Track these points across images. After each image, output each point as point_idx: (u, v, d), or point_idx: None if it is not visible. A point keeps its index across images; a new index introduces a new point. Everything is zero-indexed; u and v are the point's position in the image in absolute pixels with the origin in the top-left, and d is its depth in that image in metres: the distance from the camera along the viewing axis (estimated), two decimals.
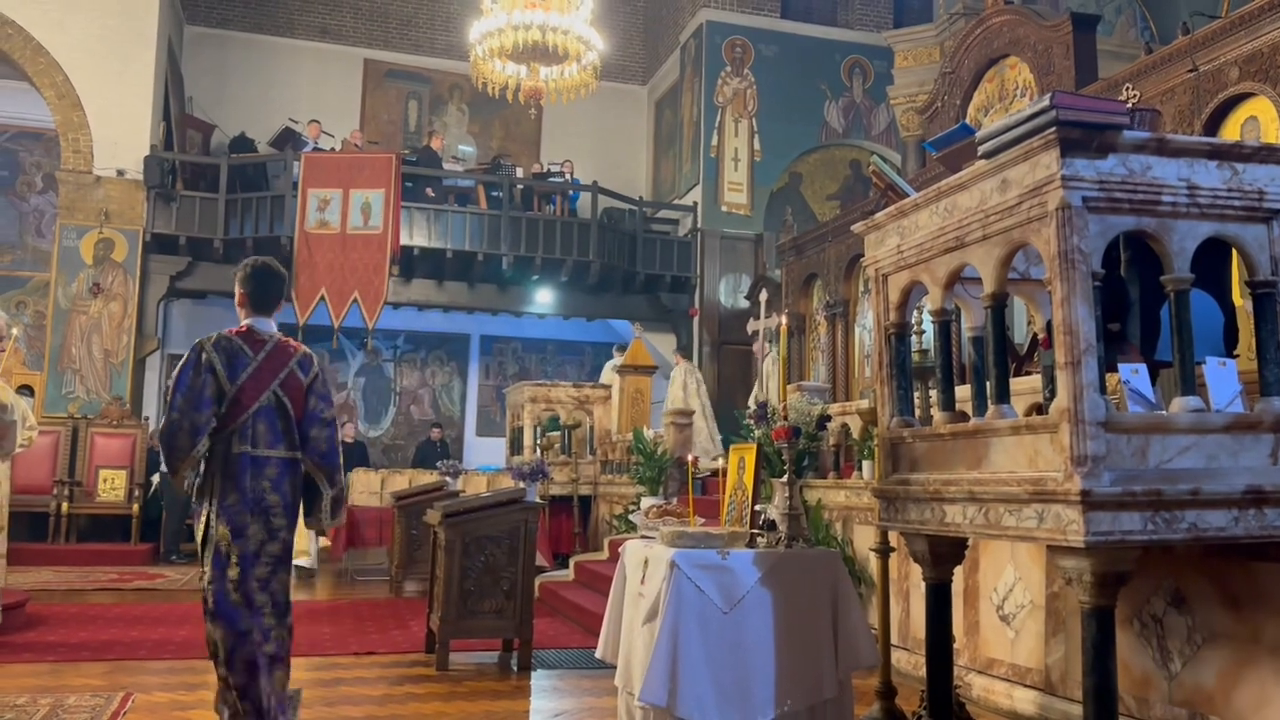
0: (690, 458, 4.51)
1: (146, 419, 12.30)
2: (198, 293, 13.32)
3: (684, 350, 13.77)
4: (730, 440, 5.87)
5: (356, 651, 5.80)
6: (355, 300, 12.17)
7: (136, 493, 11.30)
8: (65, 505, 10.87)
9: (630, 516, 7.79)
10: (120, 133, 12.06)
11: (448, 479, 9.26)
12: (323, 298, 12.14)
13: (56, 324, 11.86)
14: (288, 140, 13.23)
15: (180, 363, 3.57)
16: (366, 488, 11.04)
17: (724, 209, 14.11)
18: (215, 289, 13.19)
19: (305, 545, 8.80)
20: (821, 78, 14.67)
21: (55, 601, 7.60)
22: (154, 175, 12.08)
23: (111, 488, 11.18)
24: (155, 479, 11.35)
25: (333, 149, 13.36)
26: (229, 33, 14.74)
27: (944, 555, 3.27)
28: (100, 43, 12.04)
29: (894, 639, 4.60)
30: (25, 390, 10.85)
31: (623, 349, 11.70)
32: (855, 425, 5.82)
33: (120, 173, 12.10)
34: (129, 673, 5.11)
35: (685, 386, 11.29)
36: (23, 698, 4.42)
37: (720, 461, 3.92)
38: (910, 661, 4.83)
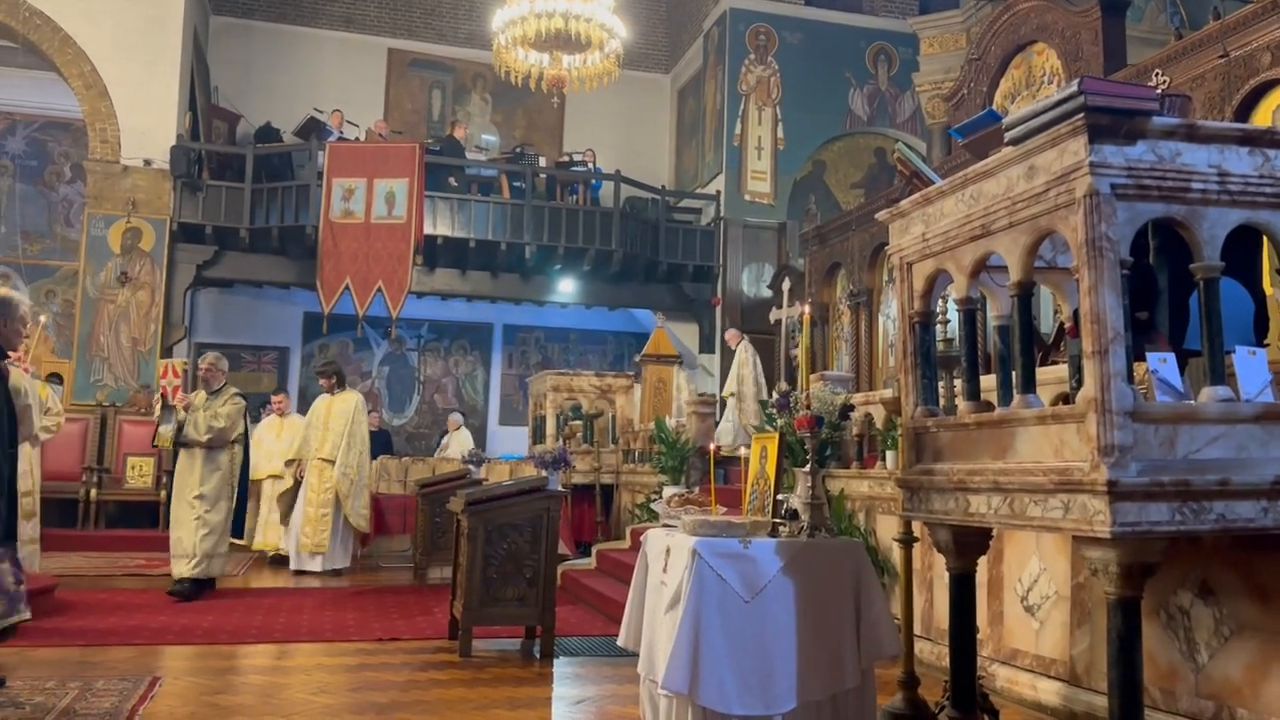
0: (712, 447, 4.50)
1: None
2: (224, 281, 13.43)
3: (706, 339, 13.77)
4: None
5: (381, 638, 5.84)
6: (379, 289, 12.23)
7: (164, 480, 11.41)
8: (94, 492, 11.00)
9: (652, 505, 7.81)
10: (147, 122, 12.16)
11: (471, 467, 9.30)
12: (347, 287, 12.21)
13: (85, 313, 11.99)
14: (313, 130, 13.30)
15: None
16: (391, 475, 11.11)
17: (747, 198, 14.06)
18: (241, 278, 13.33)
19: (323, 540, 8.84)
20: (846, 65, 14.56)
21: (84, 587, 7.70)
22: (180, 165, 12.17)
23: (140, 475, 11.31)
24: None
25: (357, 138, 13.41)
26: (254, 22, 14.81)
27: (968, 545, 3.25)
28: (127, 33, 12.13)
29: (917, 629, 4.57)
30: (55, 378, 10.97)
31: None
32: (879, 415, 5.79)
33: (147, 162, 12.20)
34: (156, 657, 5.18)
35: (754, 366, 11.18)
36: (51, 681, 4.49)
37: (744, 450, 3.91)
38: (933, 652, 4.81)
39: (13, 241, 14.34)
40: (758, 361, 11.26)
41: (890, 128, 14.66)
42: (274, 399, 10.62)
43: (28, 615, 5.02)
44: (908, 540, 3.99)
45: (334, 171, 12.26)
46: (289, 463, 9.25)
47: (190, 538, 7.25)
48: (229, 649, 5.53)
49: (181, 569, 7.25)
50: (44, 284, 14.19)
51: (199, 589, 7.24)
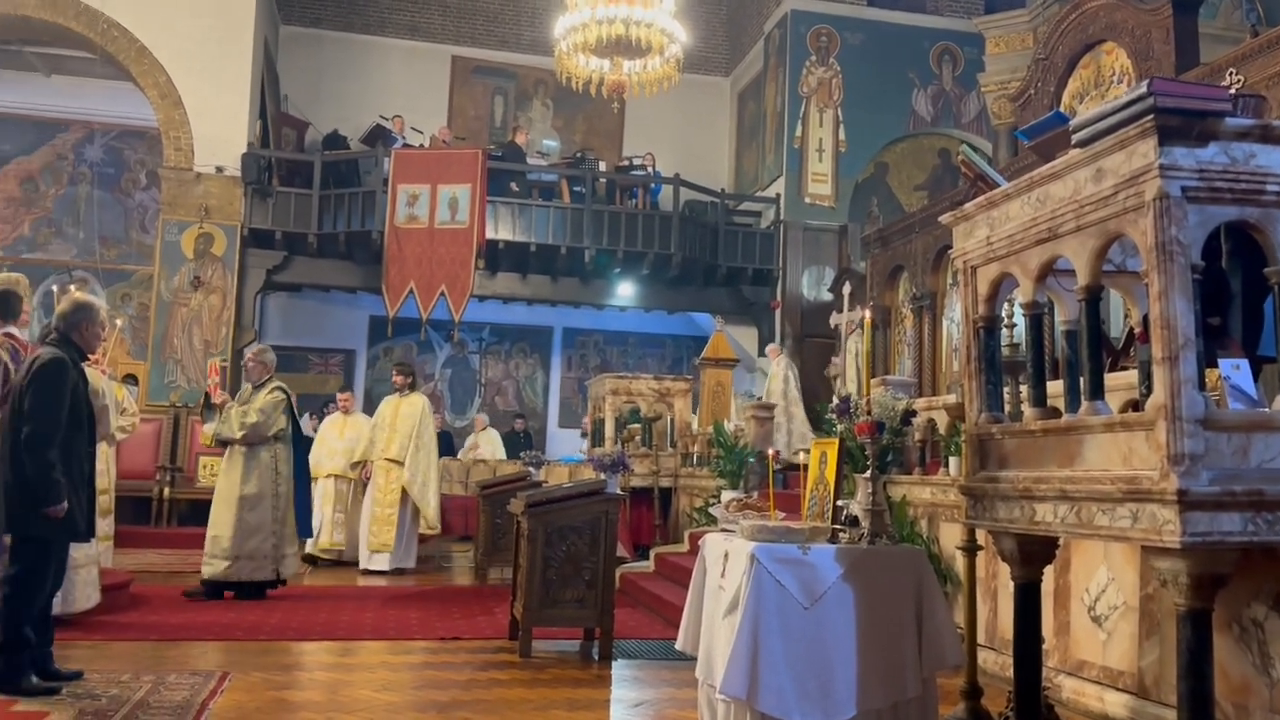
0: (771, 451, 4.49)
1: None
2: (293, 286, 13.74)
3: (769, 342, 13.69)
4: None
5: (443, 636, 5.92)
6: (442, 293, 12.40)
7: None
8: (167, 490, 11.30)
9: (710, 509, 7.78)
10: (219, 131, 12.49)
11: (530, 469, 9.39)
12: (411, 291, 12.40)
13: (159, 315, 12.35)
14: (379, 137, 13.54)
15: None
16: (453, 477, 11.26)
17: (807, 200, 13.96)
18: (309, 282, 13.63)
19: (389, 539, 8.99)
20: (909, 65, 14.39)
21: (157, 583, 7.93)
22: (251, 172, 12.49)
23: (211, 474, 11.54)
24: None
25: (421, 145, 13.61)
26: (322, 32, 15.12)
27: (1033, 554, 3.20)
28: (201, 44, 12.46)
29: (980, 639, 4.50)
30: (130, 379, 11.30)
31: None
32: (942, 421, 5.71)
33: (219, 169, 12.53)
34: (225, 653, 5.32)
35: (786, 380, 11.17)
36: (126, 674, 4.63)
37: (803, 455, 3.90)
38: (997, 662, 4.73)
39: (91, 247, 14.83)
40: (791, 375, 11.25)
41: (955, 128, 14.45)
42: (340, 396, 10.71)
43: None
44: (971, 548, 3.94)
45: (399, 178, 12.46)
46: (355, 464, 9.41)
47: (225, 538, 7.07)
48: (295, 645, 5.65)
49: (208, 569, 7.09)
50: (120, 288, 14.64)
51: (252, 590, 7.08)
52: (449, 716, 4.11)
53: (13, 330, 5.24)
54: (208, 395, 7.68)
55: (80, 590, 5.77)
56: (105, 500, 6.98)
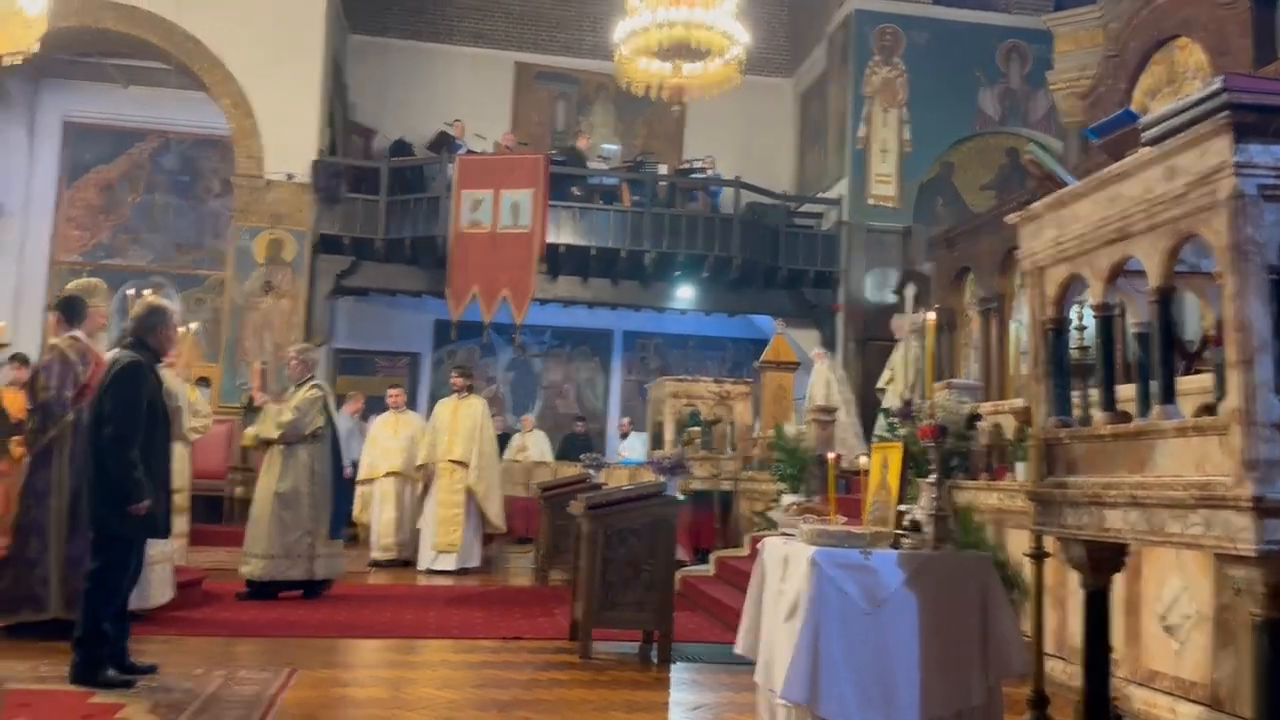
0: (832, 455, 4.45)
1: None
2: (360, 290, 14.00)
3: (827, 345, 13.57)
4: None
5: (504, 636, 5.98)
6: (505, 297, 12.52)
7: None
8: (239, 490, 11.58)
9: (770, 513, 7.74)
10: (289, 139, 12.79)
11: (591, 471, 9.43)
12: (475, 295, 12.54)
13: (232, 319, 12.68)
14: (443, 143, 13.73)
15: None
16: (514, 478, 11.35)
17: (871, 201, 13.81)
18: (376, 286, 13.88)
19: (454, 540, 9.09)
20: (976, 64, 14.16)
21: (228, 580, 8.11)
22: (320, 179, 12.78)
23: None
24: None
25: (485, 151, 13.76)
26: (389, 40, 15.38)
27: (1103, 561, 3.12)
28: (271, 54, 12.77)
29: (1048, 647, 4.41)
30: (203, 382, 11.60)
31: None
32: (1009, 425, 5.61)
33: (289, 177, 12.83)
34: (293, 649, 5.43)
35: (828, 384, 11.10)
36: (199, 669, 4.76)
37: (863, 460, 3.86)
38: (1065, 671, 4.63)
39: (167, 253, 15.28)
40: (833, 378, 11.13)
41: (1023, 127, 14.17)
42: (390, 393, 10.56)
43: None
44: (1039, 555, 3.86)
45: (463, 183, 12.62)
46: (419, 467, 9.49)
47: (262, 537, 7.08)
48: (360, 643, 5.76)
49: (245, 568, 7.12)
50: (194, 292, 15.05)
51: (276, 590, 7.06)
52: (509, 715, 4.15)
53: (78, 334, 5.48)
54: (250, 398, 7.80)
55: (156, 587, 5.95)
56: (180, 499, 7.16)
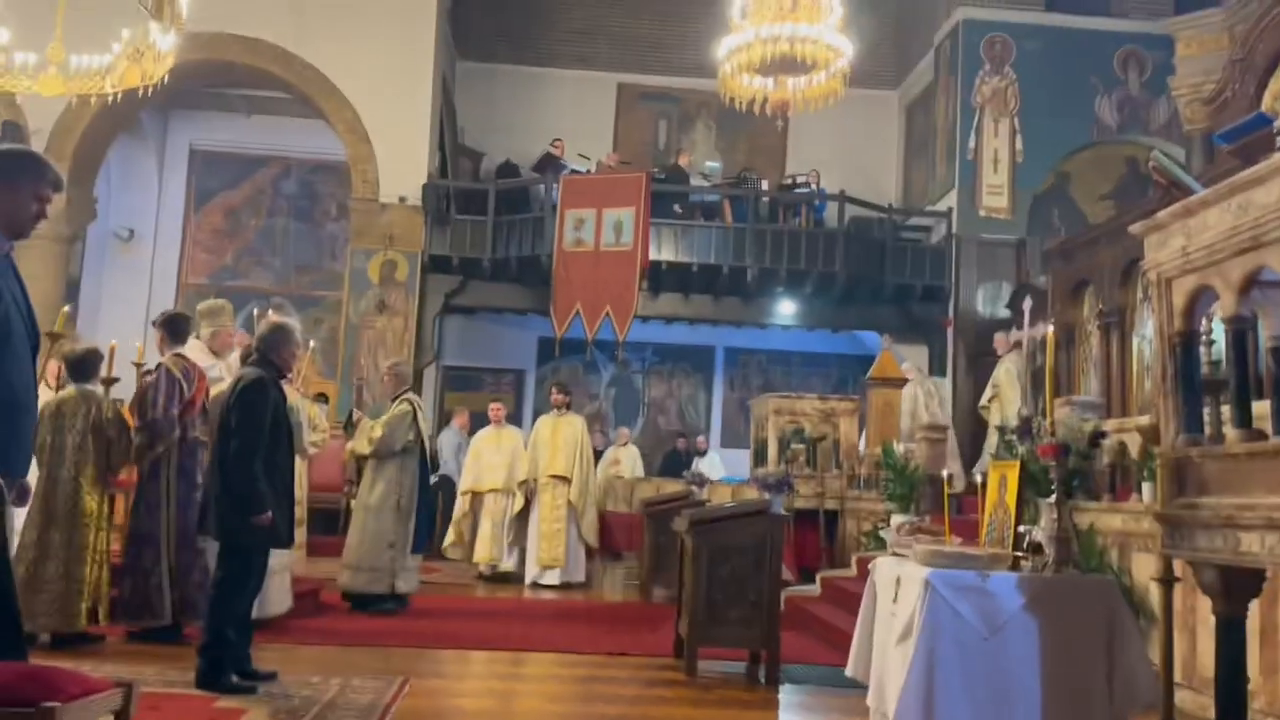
0: (945, 474, 4.33)
1: None
2: (468, 309, 14.35)
3: (936, 361, 13.27)
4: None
5: (610, 651, 6.00)
6: (607, 314, 12.62)
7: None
8: (353, 502, 11.90)
9: (880, 533, 7.58)
10: (402, 163, 13.20)
11: (693, 488, 9.40)
12: (578, 312, 12.67)
13: (348, 338, 13.11)
14: (548, 164, 13.97)
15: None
16: (617, 494, 11.39)
17: (982, 213, 13.47)
18: (483, 305, 14.21)
19: (559, 554, 9.17)
20: (1092, 71, 13.70)
21: None
22: (431, 201, 13.17)
23: None
24: (434, 480, 12.22)
25: (589, 170, 13.94)
26: (496, 66, 15.75)
27: (1238, 587, 2.95)
28: (385, 81, 13.22)
29: (1178, 677, 4.19)
30: (321, 398, 11.99)
31: None
32: (1134, 444, 5.37)
33: (402, 200, 13.23)
34: (406, 659, 5.55)
35: (915, 399, 10.81)
36: (316, 677, 4.90)
37: (979, 477, 3.74)
38: (1196, 703, 4.39)
39: (287, 275, 15.92)
40: (920, 394, 10.82)
41: (1143, 135, 13.63)
42: (492, 407, 10.51)
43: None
44: (1168, 580, 3.68)
45: (566, 203, 12.80)
46: (521, 483, 9.58)
47: (352, 548, 7.13)
48: (469, 654, 5.85)
49: (341, 579, 7.16)
50: (313, 312, 15.62)
51: (366, 603, 7.04)
52: None
53: (181, 351, 5.80)
54: (350, 413, 7.97)
55: (275, 596, 6.15)
56: (298, 511, 7.39)
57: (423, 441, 7.39)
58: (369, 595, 7.09)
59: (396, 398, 7.47)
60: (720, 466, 14.00)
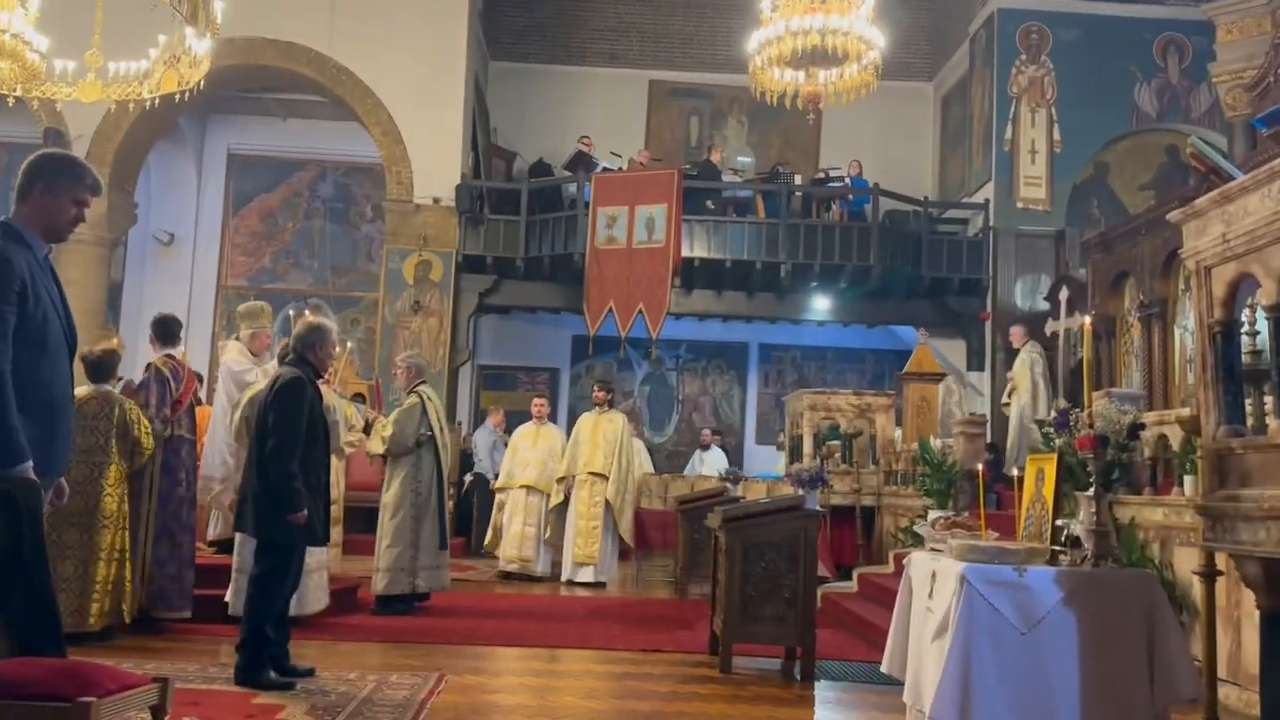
0: (982, 469, 4.28)
1: (459, 423, 13.41)
2: (502, 308, 14.41)
3: (975, 356, 13.12)
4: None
5: (644, 648, 5.99)
6: (640, 312, 12.62)
7: (450, 491, 12.30)
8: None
9: (916, 529, 7.51)
10: (436, 164, 13.29)
11: (728, 485, 9.37)
12: (610, 310, 12.68)
13: (384, 338, 13.22)
14: (580, 163, 13.99)
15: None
16: (651, 491, 11.39)
17: (1019, 205, 13.30)
18: (517, 304, 14.25)
19: (594, 551, 9.17)
20: (1130, 59, 13.48)
21: None
22: (464, 201, 13.24)
23: None
24: (468, 478, 12.31)
25: (620, 168, 13.95)
26: (528, 65, 15.81)
27: None
28: (418, 83, 13.31)
29: (1221, 672, 4.11)
30: (358, 398, 12.10)
31: None
32: (1175, 436, 5.28)
33: (436, 200, 13.32)
34: (442, 655, 5.58)
35: (1034, 366, 10.54)
36: (353, 673, 4.95)
37: (1015, 472, 3.70)
38: (1240, 698, 4.30)
39: (324, 276, 16.09)
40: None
41: (1183, 123, 13.38)
42: (535, 402, 10.29)
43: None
44: (1210, 574, 3.61)
45: (598, 200, 12.82)
46: (560, 480, 9.56)
47: (379, 551, 7.00)
48: (504, 650, 5.88)
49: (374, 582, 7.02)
50: (350, 313, 15.78)
51: (388, 605, 6.90)
52: None
53: (172, 352, 5.94)
54: (366, 420, 7.90)
55: (312, 593, 6.21)
56: (335, 510, 7.46)
57: (434, 433, 7.13)
58: (387, 596, 6.95)
59: (411, 390, 7.34)
60: (723, 463, 13.87)
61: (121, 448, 5.53)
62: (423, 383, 7.33)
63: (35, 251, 2.98)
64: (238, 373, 6.83)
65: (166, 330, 6.17)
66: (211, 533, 7.14)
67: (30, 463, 2.75)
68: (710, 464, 13.88)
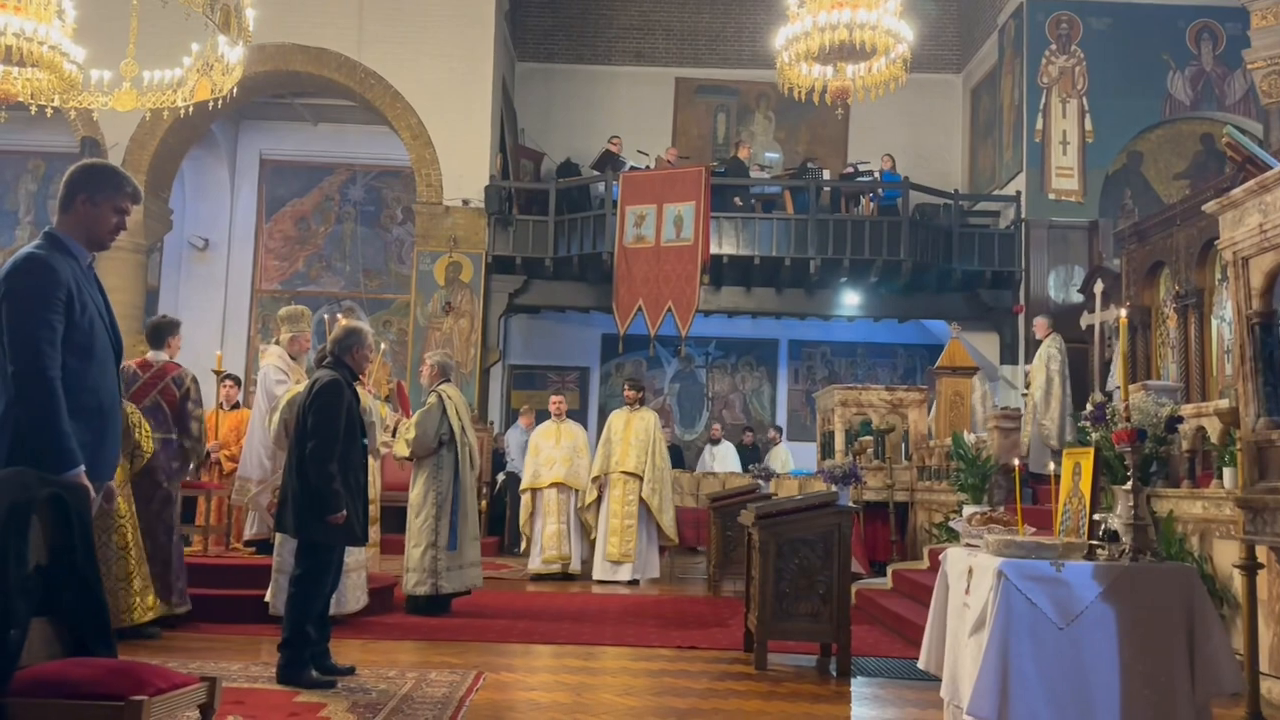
0: (1017, 463, 4.26)
1: (491, 423, 13.50)
2: (532, 308, 14.48)
3: (1008, 350, 13.01)
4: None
5: (679, 645, 6.01)
6: (669, 310, 12.65)
7: (484, 490, 12.40)
8: None
9: (951, 524, 7.47)
10: (464, 166, 13.39)
11: (760, 482, 9.37)
12: (640, 308, 12.72)
13: (416, 339, 13.33)
14: (607, 162, 14.03)
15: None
16: (683, 489, 11.40)
17: (1051, 196, 13.18)
18: (547, 304, 14.32)
19: (629, 550, 9.19)
20: (1163, 47, 13.31)
21: None
22: (493, 203, 13.32)
23: None
24: (500, 477, 12.38)
25: (647, 167, 13.97)
26: (554, 66, 15.87)
27: None
28: (446, 86, 13.41)
29: (1263, 666, 4.07)
30: (386, 400, 12.20)
31: None
32: (1213, 428, 5.22)
33: (465, 202, 13.41)
34: (480, 653, 5.64)
35: (1049, 361, 10.46)
36: (393, 671, 5.01)
37: (1052, 466, 3.68)
38: None
39: (356, 279, 16.24)
40: (1054, 362, 10.54)
41: (1218, 111, 13.21)
42: (553, 400, 10.20)
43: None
44: (1251, 567, 3.58)
45: (626, 200, 12.85)
46: (595, 479, 9.56)
47: (406, 550, 6.99)
48: (541, 648, 5.92)
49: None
50: (382, 315, 15.92)
51: (420, 605, 6.88)
52: None
53: (157, 355, 6.21)
54: (396, 424, 7.90)
55: (351, 593, 6.29)
56: (372, 510, 7.55)
57: (454, 432, 7.05)
58: (414, 597, 6.95)
59: (431, 390, 7.26)
60: (732, 459, 13.84)
61: (124, 449, 5.63)
62: (445, 381, 7.30)
63: (79, 260, 3.04)
64: (272, 383, 6.90)
65: (156, 334, 6.33)
66: (248, 532, 7.24)
67: (83, 468, 2.81)
68: (721, 459, 13.88)
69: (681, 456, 13.87)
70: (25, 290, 2.87)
